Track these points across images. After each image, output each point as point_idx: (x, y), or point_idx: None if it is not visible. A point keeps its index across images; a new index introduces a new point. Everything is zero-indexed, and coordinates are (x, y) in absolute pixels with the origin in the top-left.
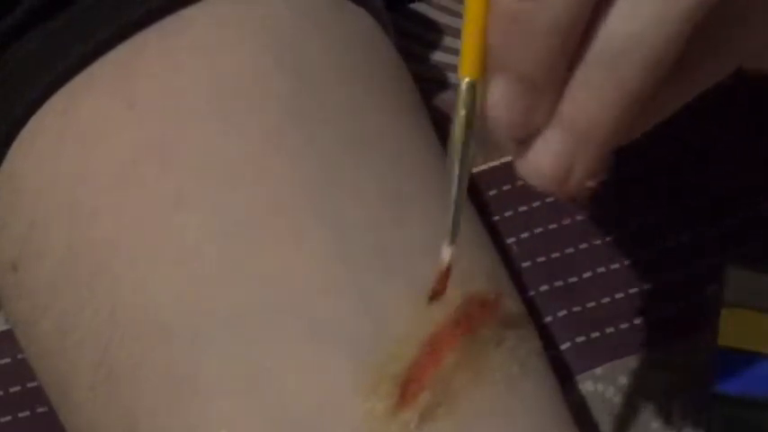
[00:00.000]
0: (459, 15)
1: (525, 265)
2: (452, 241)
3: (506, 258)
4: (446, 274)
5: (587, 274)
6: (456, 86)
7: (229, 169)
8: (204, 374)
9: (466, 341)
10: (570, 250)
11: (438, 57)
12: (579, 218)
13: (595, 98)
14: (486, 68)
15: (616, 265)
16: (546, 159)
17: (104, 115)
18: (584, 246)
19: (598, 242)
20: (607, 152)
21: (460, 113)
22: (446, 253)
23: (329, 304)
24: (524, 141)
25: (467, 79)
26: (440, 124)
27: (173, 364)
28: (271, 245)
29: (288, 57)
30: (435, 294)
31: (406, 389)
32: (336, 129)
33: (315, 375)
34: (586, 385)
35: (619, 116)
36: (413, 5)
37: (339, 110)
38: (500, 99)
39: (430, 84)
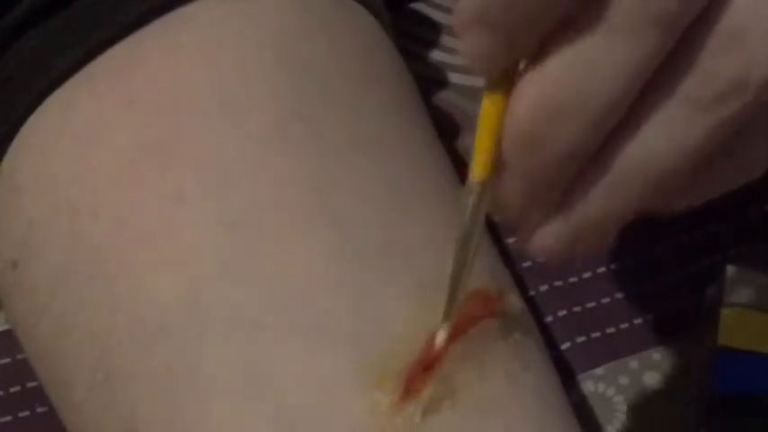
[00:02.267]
0: None
1: (525, 265)
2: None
3: (507, 258)
4: (441, 357)
5: (587, 275)
6: (464, 192)
7: (229, 167)
8: (204, 374)
9: (470, 335)
10: None
11: (438, 56)
12: None
13: (602, 207)
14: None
15: (616, 266)
16: (548, 243)
17: (104, 113)
18: None
19: None
20: (609, 238)
21: (466, 219)
22: (440, 337)
23: (330, 302)
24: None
25: (476, 181)
26: (439, 122)
27: (172, 364)
28: (271, 243)
29: (289, 54)
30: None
31: (410, 384)
32: (337, 126)
33: (317, 373)
34: (587, 385)
35: (624, 220)
36: (413, 5)
37: (340, 107)
38: (507, 190)
39: (430, 83)
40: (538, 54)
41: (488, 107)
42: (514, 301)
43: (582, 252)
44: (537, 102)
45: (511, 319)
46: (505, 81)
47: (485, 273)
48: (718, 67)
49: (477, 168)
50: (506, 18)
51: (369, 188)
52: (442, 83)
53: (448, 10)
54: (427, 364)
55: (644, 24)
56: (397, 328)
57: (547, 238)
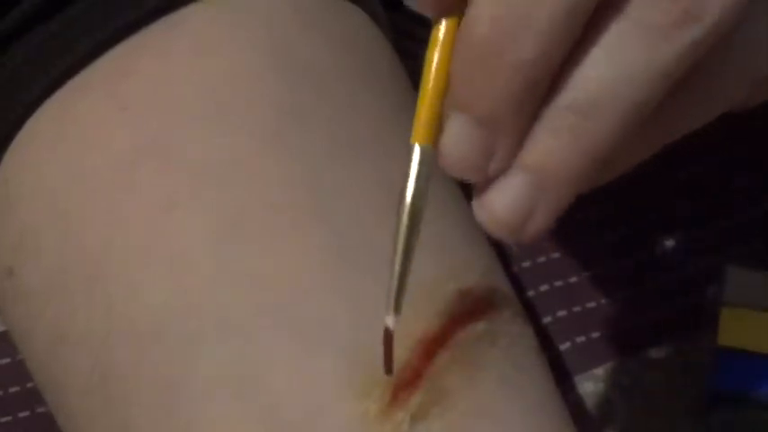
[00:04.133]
0: None
1: (525, 265)
2: (397, 310)
3: (506, 258)
4: (390, 346)
5: (587, 274)
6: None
7: (223, 170)
8: (196, 377)
9: (459, 340)
10: (570, 250)
11: None
12: (579, 218)
13: (562, 146)
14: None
15: (616, 266)
16: (502, 205)
17: (98, 118)
18: (584, 246)
19: (598, 242)
20: (569, 200)
21: (411, 184)
22: (390, 322)
23: (322, 305)
24: (480, 186)
25: (418, 146)
26: None
27: (165, 368)
28: (263, 246)
29: (283, 55)
30: (388, 369)
31: (399, 389)
32: (332, 127)
33: (307, 377)
34: (586, 385)
35: (586, 165)
36: (410, 4)
37: (335, 108)
38: (456, 140)
39: None
40: None
41: (433, 52)
42: (507, 303)
43: (539, 224)
44: (488, 19)
45: (504, 322)
46: (450, 25)
47: (477, 274)
48: None
49: (419, 130)
50: None
51: (364, 190)
52: None
53: None
54: (416, 370)
55: None
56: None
57: (499, 201)
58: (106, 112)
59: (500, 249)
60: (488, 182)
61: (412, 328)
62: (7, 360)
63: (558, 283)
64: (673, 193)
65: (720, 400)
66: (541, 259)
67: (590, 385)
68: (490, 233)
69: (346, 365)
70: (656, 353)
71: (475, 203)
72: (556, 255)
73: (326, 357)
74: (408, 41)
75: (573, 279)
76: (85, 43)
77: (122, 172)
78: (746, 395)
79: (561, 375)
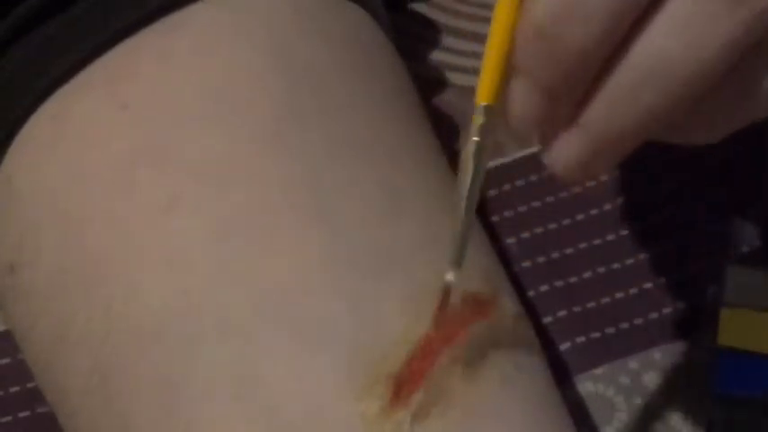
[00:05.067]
0: (458, 15)
1: (525, 265)
2: (458, 264)
3: (506, 258)
4: (447, 298)
5: (587, 274)
6: (472, 111)
7: (222, 171)
8: (196, 379)
9: (461, 341)
10: (570, 250)
11: (437, 56)
12: (579, 218)
13: (619, 113)
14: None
15: (616, 265)
16: (564, 158)
17: (98, 118)
18: (584, 246)
19: (598, 242)
20: (626, 155)
21: (473, 139)
22: (450, 276)
23: (322, 305)
24: (545, 136)
25: (483, 104)
26: (439, 123)
27: (164, 369)
28: (263, 247)
29: (283, 55)
30: (437, 320)
31: (400, 389)
32: (332, 128)
33: (307, 377)
34: (586, 385)
35: (641, 131)
36: (413, 5)
37: (335, 109)
38: (519, 101)
39: (430, 83)
40: None
41: (500, 17)
42: (508, 304)
43: (596, 172)
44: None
45: (504, 322)
46: None
47: (479, 276)
48: None
49: (483, 90)
50: None
51: (364, 190)
52: (441, 83)
53: (448, 10)
54: (417, 369)
55: None
56: (390, 329)
57: (562, 153)
58: (106, 112)
59: (500, 249)
60: (553, 134)
61: (413, 327)
62: (7, 360)
63: (558, 283)
64: (673, 194)
65: (720, 400)
66: (541, 259)
67: (590, 385)
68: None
69: (347, 365)
70: (656, 353)
71: (543, 153)
72: (556, 255)
73: (326, 357)
74: (409, 41)
75: (573, 279)
76: (86, 43)
77: (122, 172)
78: (746, 395)
79: (561, 375)
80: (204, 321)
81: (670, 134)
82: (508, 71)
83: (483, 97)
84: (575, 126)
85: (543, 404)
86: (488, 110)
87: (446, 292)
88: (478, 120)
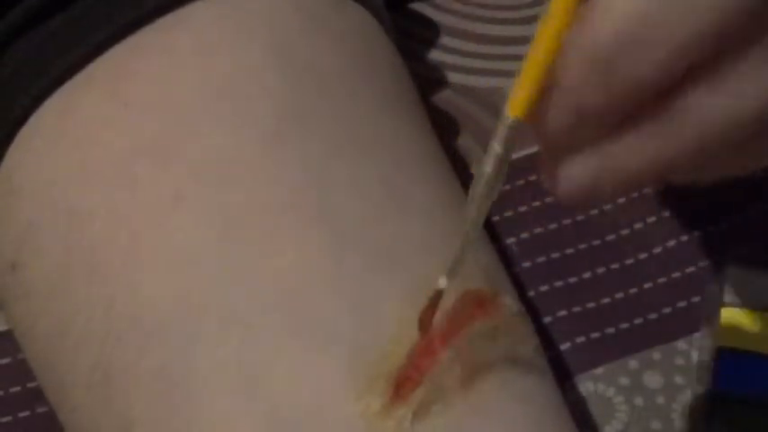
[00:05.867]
0: (458, 15)
1: (525, 265)
2: (451, 275)
3: (506, 258)
4: (435, 304)
5: (587, 274)
6: (499, 121)
7: (225, 169)
8: (198, 374)
9: (461, 339)
10: (570, 250)
11: (437, 56)
12: (579, 218)
13: (642, 151)
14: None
15: (616, 266)
16: (573, 180)
17: (100, 115)
18: (584, 246)
19: (598, 242)
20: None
21: (496, 150)
22: (442, 283)
23: (324, 303)
24: (557, 153)
25: (512, 117)
26: (439, 122)
27: (167, 365)
28: (265, 244)
29: (285, 54)
30: (422, 324)
31: (401, 386)
32: (333, 127)
33: (309, 375)
34: (586, 386)
35: (658, 173)
36: (413, 5)
37: (336, 107)
38: (552, 114)
39: (430, 83)
40: None
41: (544, 35)
42: (509, 303)
43: (602, 195)
44: (621, 24)
45: (505, 321)
46: (566, 10)
47: (480, 275)
48: None
49: (517, 103)
50: None
51: (365, 188)
52: (442, 83)
53: (448, 10)
54: (418, 367)
55: None
56: (391, 326)
57: (572, 174)
58: (110, 109)
59: (500, 249)
60: (565, 149)
61: (414, 325)
62: (8, 360)
63: (558, 284)
64: (672, 194)
65: (720, 400)
66: (541, 259)
67: (590, 385)
68: (553, 195)
69: (348, 362)
70: (656, 353)
71: (546, 172)
72: (556, 255)
73: (328, 355)
74: (409, 41)
75: (573, 279)
76: (87, 42)
77: (123, 170)
78: (746, 395)
79: (561, 375)
80: (205, 320)
81: (698, 174)
82: (545, 84)
83: (515, 109)
84: (594, 151)
85: (544, 403)
86: (517, 123)
87: (436, 296)
88: (503, 131)
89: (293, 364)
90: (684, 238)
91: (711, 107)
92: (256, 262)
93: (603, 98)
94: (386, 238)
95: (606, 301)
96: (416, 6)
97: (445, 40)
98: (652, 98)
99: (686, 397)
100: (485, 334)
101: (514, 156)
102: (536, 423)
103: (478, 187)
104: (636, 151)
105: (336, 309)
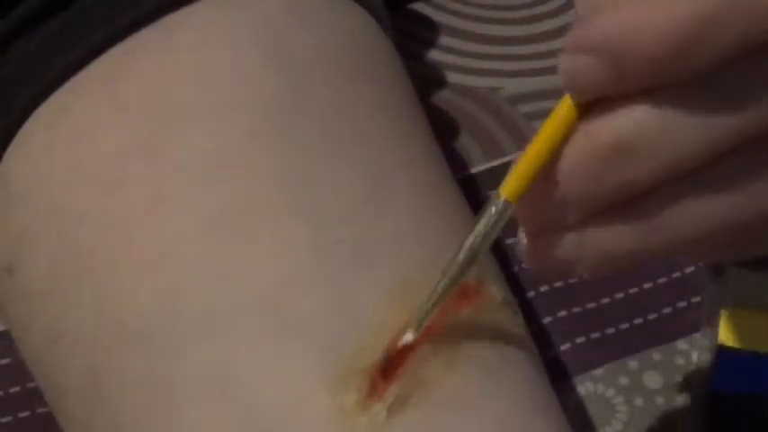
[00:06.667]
0: (458, 15)
1: (525, 265)
2: (418, 329)
3: (506, 259)
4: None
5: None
6: (488, 199)
7: (208, 169)
8: (179, 380)
9: (442, 329)
10: None
11: (436, 55)
12: None
13: (622, 241)
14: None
15: None
16: (551, 257)
17: (94, 118)
18: None
19: None
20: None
21: (480, 228)
22: (408, 338)
23: (302, 301)
24: (538, 233)
25: (503, 198)
26: (439, 122)
27: (151, 370)
28: (245, 244)
29: (281, 56)
30: (374, 382)
31: (377, 381)
32: (320, 125)
33: (286, 373)
34: (586, 386)
35: (637, 258)
36: (413, 5)
37: (325, 107)
38: (538, 197)
39: (429, 83)
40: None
41: (552, 128)
42: (495, 293)
43: (579, 273)
44: (618, 135)
45: (489, 310)
46: (579, 110)
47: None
48: None
49: (510, 185)
50: (630, 54)
51: (347, 185)
52: (441, 83)
53: (448, 10)
54: (395, 362)
55: (751, 97)
56: (368, 322)
57: (554, 249)
58: (102, 112)
59: (500, 250)
60: (544, 227)
61: (392, 320)
62: (7, 360)
63: (558, 283)
64: None
65: (720, 400)
66: (532, 266)
67: (590, 385)
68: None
69: (323, 360)
70: (656, 353)
71: (524, 244)
72: None
73: (304, 353)
74: (408, 41)
75: (573, 279)
76: (84, 43)
77: (115, 172)
78: (746, 395)
79: (561, 375)
80: (187, 320)
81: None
82: (540, 172)
83: (507, 192)
84: (577, 235)
85: (532, 395)
86: (507, 205)
87: (402, 350)
88: (491, 210)
89: (270, 364)
90: None
91: (699, 208)
92: (239, 260)
93: (599, 198)
94: (363, 234)
95: (606, 301)
96: (416, 6)
97: (444, 40)
98: (642, 195)
99: (686, 397)
100: (467, 323)
101: (515, 156)
102: (519, 413)
103: (460, 254)
104: (622, 239)
105: (313, 306)
